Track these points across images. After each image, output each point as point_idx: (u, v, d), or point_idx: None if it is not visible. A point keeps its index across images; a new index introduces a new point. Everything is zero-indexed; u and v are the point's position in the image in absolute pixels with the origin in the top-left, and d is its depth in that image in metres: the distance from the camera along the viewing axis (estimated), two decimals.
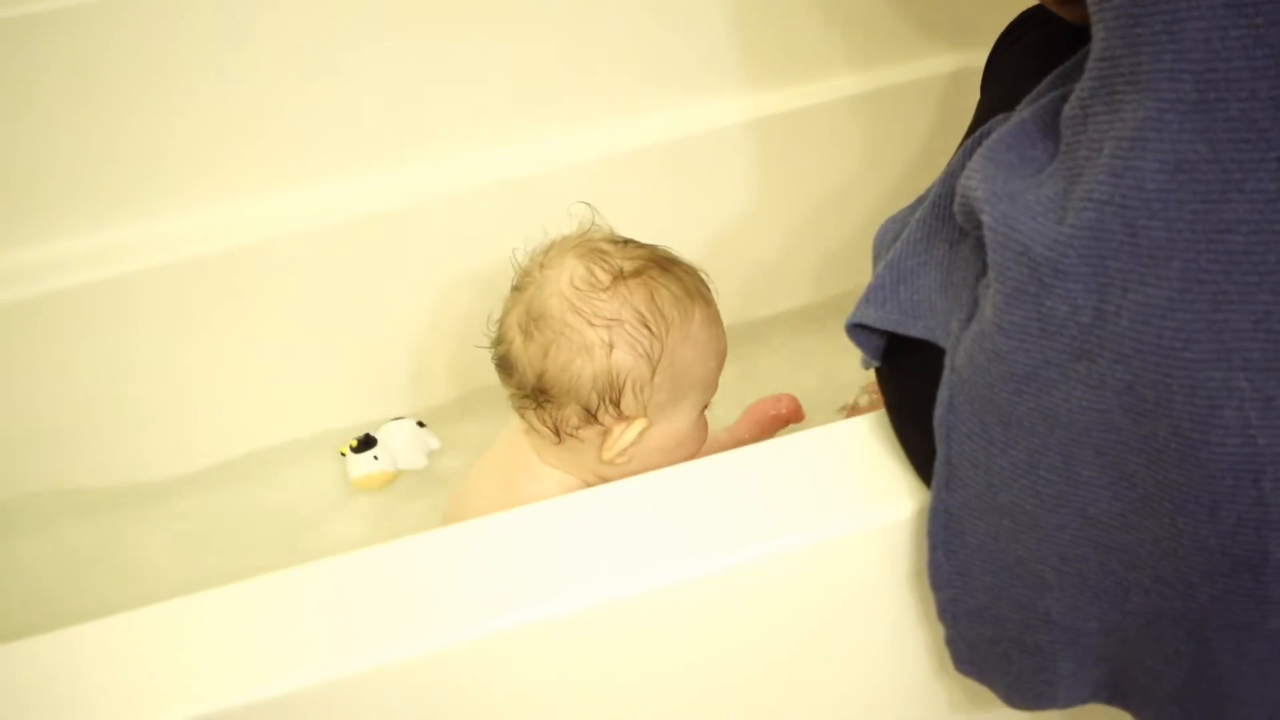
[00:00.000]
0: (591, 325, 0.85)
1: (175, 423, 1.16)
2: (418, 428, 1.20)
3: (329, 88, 1.07)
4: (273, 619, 0.70)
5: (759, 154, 1.17)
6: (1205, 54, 0.56)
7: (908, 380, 0.75)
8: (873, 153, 1.19)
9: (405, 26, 1.04)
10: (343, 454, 1.18)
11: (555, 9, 1.07)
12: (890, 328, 0.75)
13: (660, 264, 0.89)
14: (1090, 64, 0.62)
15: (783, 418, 1.10)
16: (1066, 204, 0.63)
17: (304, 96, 1.06)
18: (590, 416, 0.87)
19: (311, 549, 1.10)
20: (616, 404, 0.87)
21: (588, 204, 0.90)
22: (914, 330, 0.73)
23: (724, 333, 0.92)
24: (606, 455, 0.89)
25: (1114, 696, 0.74)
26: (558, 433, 0.89)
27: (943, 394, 0.70)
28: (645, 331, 0.86)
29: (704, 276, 0.92)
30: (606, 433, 0.88)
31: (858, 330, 0.77)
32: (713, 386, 0.92)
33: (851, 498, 0.75)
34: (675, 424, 0.90)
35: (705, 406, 0.94)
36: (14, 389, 1.09)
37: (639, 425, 0.88)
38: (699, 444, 0.94)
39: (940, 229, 0.76)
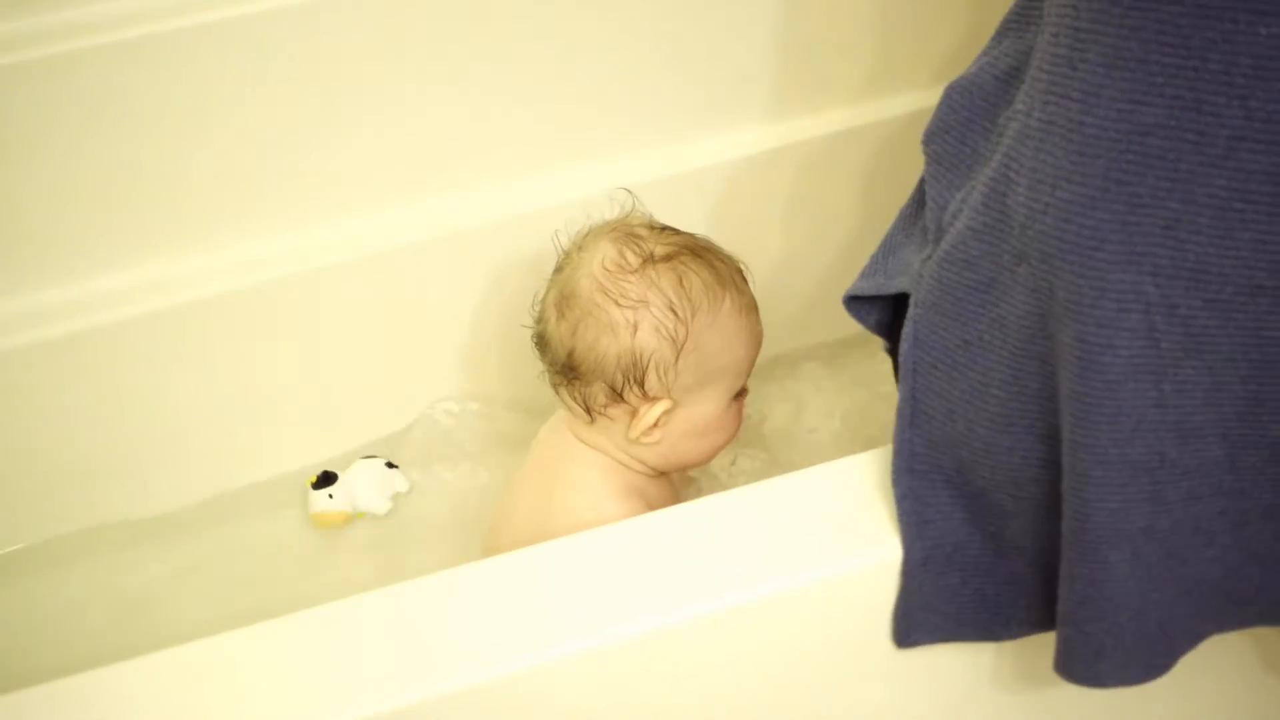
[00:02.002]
0: (618, 305, 0.89)
1: (167, 461, 1.16)
2: (386, 469, 1.20)
3: (336, 126, 1.08)
4: (299, 656, 0.71)
5: (784, 182, 1.18)
6: None
7: None
8: (877, 184, 1.20)
9: (419, 63, 1.06)
10: (309, 486, 1.20)
11: (568, 46, 1.09)
12: (875, 292, 0.78)
13: (694, 251, 0.92)
14: None
15: None
16: (1033, 101, 0.64)
17: (308, 136, 1.08)
18: (616, 395, 0.91)
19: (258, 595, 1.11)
20: (640, 384, 0.90)
21: (628, 190, 0.96)
22: (893, 287, 0.75)
23: (758, 322, 0.95)
24: (632, 434, 0.92)
25: None
26: (589, 411, 0.92)
27: (907, 330, 0.72)
28: (671, 315, 0.89)
29: (743, 267, 0.95)
30: (634, 412, 0.92)
31: (855, 305, 0.80)
32: (743, 375, 0.95)
33: (868, 531, 0.75)
34: (703, 408, 0.93)
35: (740, 396, 0.96)
36: (16, 434, 1.08)
37: (662, 405, 0.91)
38: (730, 433, 0.97)
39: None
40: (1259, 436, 0.65)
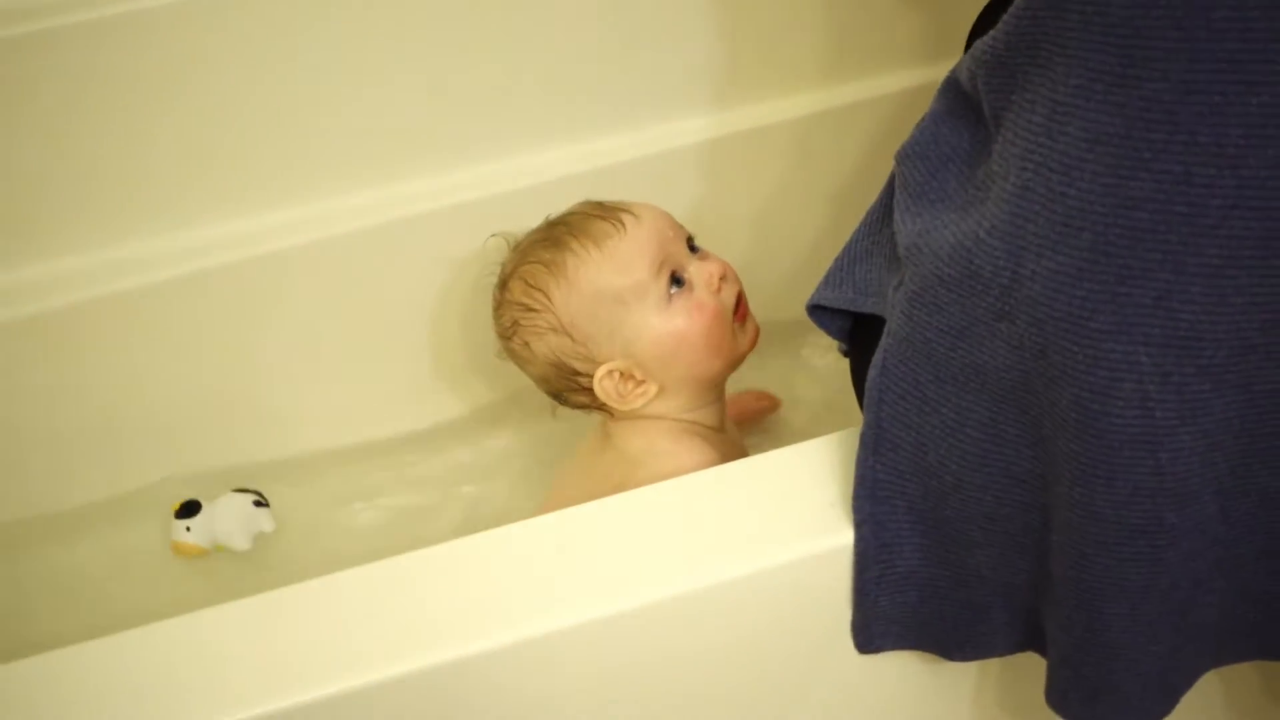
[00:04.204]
0: (508, 340, 0.95)
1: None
2: (254, 507, 1.14)
3: (315, 106, 1.09)
4: (265, 635, 0.72)
5: (730, 170, 1.17)
6: (1129, 30, 0.57)
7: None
8: (840, 168, 1.20)
9: (398, 49, 1.07)
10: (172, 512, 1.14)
11: (536, 33, 1.10)
12: (845, 306, 0.77)
13: (534, 244, 0.93)
14: (1012, 13, 0.63)
15: (765, 410, 1.16)
16: (1008, 164, 0.64)
17: (286, 114, 1.09)
18: (584, 390, 0.93)
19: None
20: (575, 376, 0.93)
21: (499, 234, 0.98)
22: (866, 306, 0.75)
23: (617, 232, 0.91)
24: (621, 409, 0.93)
25: (1043, 645, 0.75)
26: (599, 408, 0.95)
27: (876, 358, 0.71)
28: (533, 314, 0.92)
29: (596, 205, 0.94)
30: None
31: (819, 312, 0.79)
32: (643, 282, 0.90)
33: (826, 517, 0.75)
34: (647, 333, 0.90)
35: (680, 285, 0.91)
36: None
37: (600, 372, 0.91)
38: (704, 319, 0.91)
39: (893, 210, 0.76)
40: (1249, 485, 0.65)
